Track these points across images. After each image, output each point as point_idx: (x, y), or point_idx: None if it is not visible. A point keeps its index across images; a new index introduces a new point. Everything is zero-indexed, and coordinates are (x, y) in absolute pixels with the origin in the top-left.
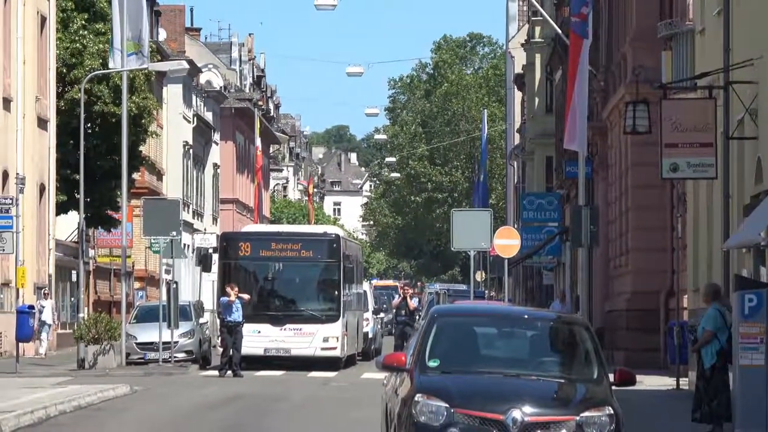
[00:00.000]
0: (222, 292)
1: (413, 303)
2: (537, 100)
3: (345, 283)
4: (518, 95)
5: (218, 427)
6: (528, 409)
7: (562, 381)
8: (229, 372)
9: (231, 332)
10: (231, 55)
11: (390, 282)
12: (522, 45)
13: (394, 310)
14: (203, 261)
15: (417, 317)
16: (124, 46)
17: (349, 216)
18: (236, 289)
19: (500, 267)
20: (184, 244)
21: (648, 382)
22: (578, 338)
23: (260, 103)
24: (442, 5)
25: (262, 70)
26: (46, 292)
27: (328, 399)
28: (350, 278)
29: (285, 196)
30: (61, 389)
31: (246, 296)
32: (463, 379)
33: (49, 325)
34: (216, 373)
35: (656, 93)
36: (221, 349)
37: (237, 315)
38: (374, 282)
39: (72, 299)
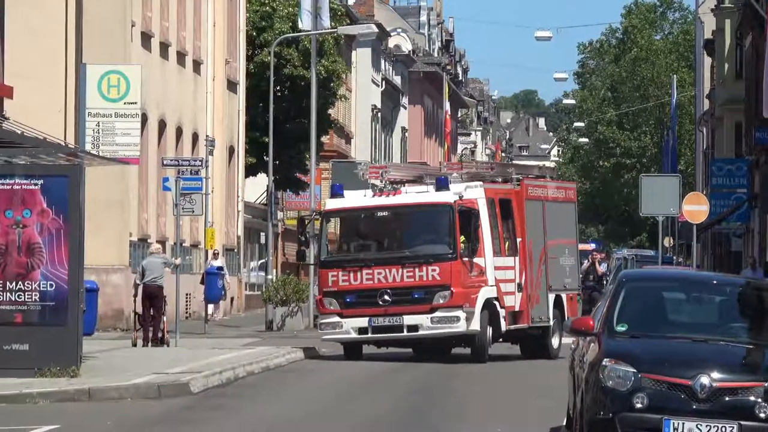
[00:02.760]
0: None
1: (601, 268)
2: (726, 65)
3: None
4: (708, 61)
5: (409, 388)
6: (716, 374)
7: (751, 347)
8: None
9: None
10: (419, 19)
11: (586, 246)
12: (712, 10)
13: (582, 276)
14: None
15: (605, 282)
16: (314, 8)
17: None
18: None
19: (688, 233)
20: None
21: None
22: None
23: (449, 67)
24: None
25: (451, 35)
26: (216, 251)
27: (516, 363)
28: None
29: (473, 160)
30: (250, 350)
31: None
32: (651, 343)
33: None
34: None
35: None
36: None
37: None
38: None
39: (261, 261)
